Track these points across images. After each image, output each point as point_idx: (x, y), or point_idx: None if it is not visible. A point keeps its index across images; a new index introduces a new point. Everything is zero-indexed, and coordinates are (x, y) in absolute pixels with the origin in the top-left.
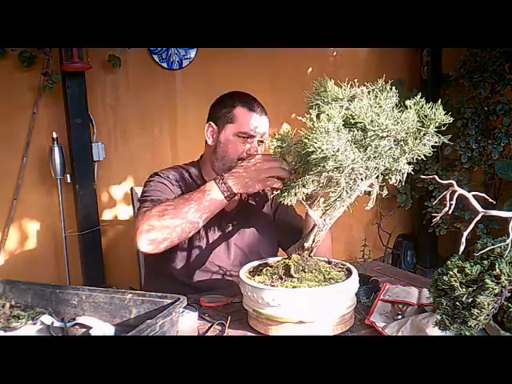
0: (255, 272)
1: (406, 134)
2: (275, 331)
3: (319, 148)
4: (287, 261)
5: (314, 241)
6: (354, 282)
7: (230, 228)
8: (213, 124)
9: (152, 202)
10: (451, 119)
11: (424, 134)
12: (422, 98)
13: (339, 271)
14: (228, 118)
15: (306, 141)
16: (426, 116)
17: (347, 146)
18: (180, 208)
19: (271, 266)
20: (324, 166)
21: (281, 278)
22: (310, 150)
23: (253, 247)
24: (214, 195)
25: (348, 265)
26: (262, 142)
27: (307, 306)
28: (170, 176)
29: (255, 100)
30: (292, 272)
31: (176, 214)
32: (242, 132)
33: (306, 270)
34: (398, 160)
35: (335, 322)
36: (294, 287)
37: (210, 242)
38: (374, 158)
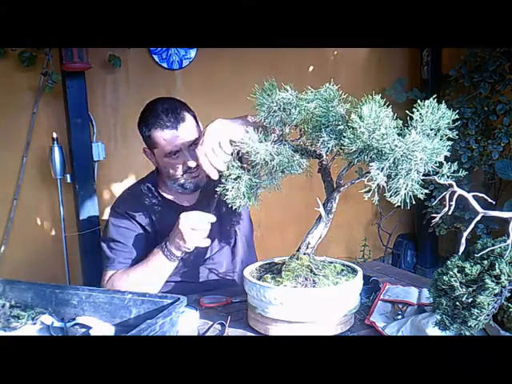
0: (260, 275)
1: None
2: (275, 331)
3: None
4: (298, 261)
5: (320, 237)
6: (361, 277)
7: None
8: (146, 148)
9: (114, 268)
10: (454, 117)
11: (438, 131)
12: (423, 97)
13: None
14: (151, 144)
15: (363, 136)
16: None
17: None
18: (140, 280)
19: (284, 270)
20: (387, 158)
21: (306, 278)
22: (368, 143)
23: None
24: (162, 262)
25: (339, 261)
26: (195, 144)
27: (345, 301)
28: (128, 210)
29: (166, 109)
30: (315, 271)
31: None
32: (168, 153)
33: (321, 268)
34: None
35: (337, 322)
36: (335, 284)
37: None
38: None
